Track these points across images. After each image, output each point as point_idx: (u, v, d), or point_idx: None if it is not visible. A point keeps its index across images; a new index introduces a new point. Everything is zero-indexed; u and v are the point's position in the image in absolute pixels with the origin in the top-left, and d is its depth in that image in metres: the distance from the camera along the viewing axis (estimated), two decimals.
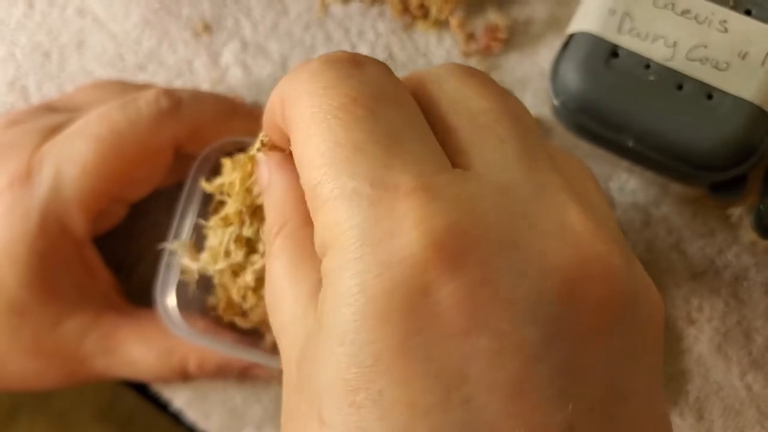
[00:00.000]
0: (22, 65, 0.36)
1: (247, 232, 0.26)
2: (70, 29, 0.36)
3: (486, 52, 0.35)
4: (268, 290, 0.21)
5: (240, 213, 0.26)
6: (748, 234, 0.32)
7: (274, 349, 0.30)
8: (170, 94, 0.29)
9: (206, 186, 0.27)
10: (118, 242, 0.33)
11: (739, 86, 0.28)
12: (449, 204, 0.17)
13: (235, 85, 0.35)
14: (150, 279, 0.30)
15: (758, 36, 0.28)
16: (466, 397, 0.16)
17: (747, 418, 0.32)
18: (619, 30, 0.29)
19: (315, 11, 0.36)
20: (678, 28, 0.29)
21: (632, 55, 0.29)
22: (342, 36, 0.35)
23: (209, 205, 0.27)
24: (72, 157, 0.28)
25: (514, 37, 0.35)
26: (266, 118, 0.23)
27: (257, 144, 0.24)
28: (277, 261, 0.21)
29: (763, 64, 0.28)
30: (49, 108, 0.32)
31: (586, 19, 0.30)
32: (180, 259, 0.28)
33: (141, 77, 0.35)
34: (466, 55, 0.35)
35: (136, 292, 0.32)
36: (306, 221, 0.21)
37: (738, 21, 0.29)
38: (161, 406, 0.33)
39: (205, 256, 0.27)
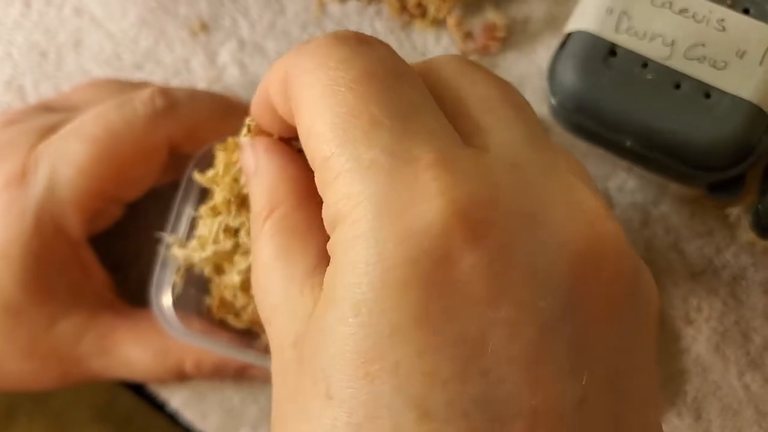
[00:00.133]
0: (19, 64, 0.36)
1: (234, 222, 0.26)
2: (67, 28, 0.36)
3: (484, 52, 0.35)
4: (257, 274, 0.21)
5: (228, 202, 0.26)
6: (747, 234, 0.32)
7: (269, 350, 0.30)
8: (166, 93, 0.29)
9: (198, 177, 0.26)
10: (114, 242, 0.33)
11: (738, 85, 0.28)
12: (470, 176, 0.17)
13: (232, 85, 0.35)
14: (146, 279, 0.29)
15: (756, 35, 0.28)
16: (485, 368, 0.16)
17: (745, 418, 0.32)
18: (617, 29, 0.29)
19: (312, 10, 0.36)
20: (676, 27, 0.29)
21: (630, 53, 0.29)
22: None
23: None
24: (67, 157, 0.28)
25: (512, 36, 0.35)
26: (258, 100, 0.23)
27: (243, 130, 0.24)
28: (269, 243, 0.21)
29: (761, 63, 0.28)
30: (45, 107, 0.32)
31: (584, 18, 0.30)
32: (173, 254, 0.28)
33: (138, 76, 0.35)
34: (464, 54, 0.35)
35: (132, 293, 0.32)
36: (299, 204, 0.21)
37: (736, 20, 0.29)
38: (158, 407, 0.33)
39: (193, 244, 0.27)
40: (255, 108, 0.23)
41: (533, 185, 0.18)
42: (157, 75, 0.35)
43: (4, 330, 0.29)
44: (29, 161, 0.28)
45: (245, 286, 0.27)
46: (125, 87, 0.32)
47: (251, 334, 0.30)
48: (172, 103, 0.29)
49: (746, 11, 0.29)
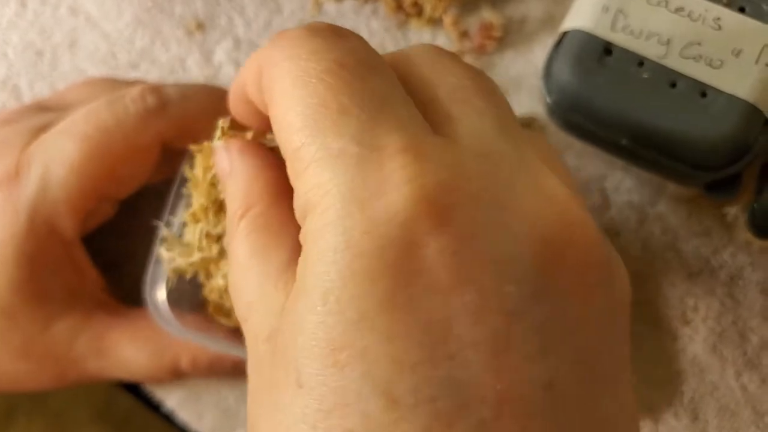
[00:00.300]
0: (14, 64, 0.36)
1: (216, 229, 0.26)
2: (62, 28, 0.36)
3: (480, 51, 0.35)
4: (233, 272, 0.21)
5: (205, 209, 0.26)
6: (744, 233, 0.32)
7: None
8: (156, 90, 0.29)
9: (187, 172, 0.27)
10: (108, 241, 0.32)
11: (733, 84, 0.28)
12: (437, 164, 0.18)
13: (228, 83, 0.35)
14: (140, 278, 0.29)
15: (752, 33, 0.28)
16: (451, 353, 0.16)
17: (742, 419, 0.32)
18: (613, 27, 0.29)
19: (308, 9, 0.35)
20: (672, 26, 0.29)
21: (626, 52, 0.29)
22: None
23: None
24: (59, 157, 0.28)
25: (508, 36, 0.35)
26: (234, 93, 0.23)
27: (218, 132, 0.24)
28: (244, 242, 0.21)
29: (756, 61, 0.28)
30: (40, 107, 0.31)
31: (580, 17, 0.29)
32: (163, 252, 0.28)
33: (134, 76, 0.35)
34: (460, 53, 0.35)
35: (126, 292, 0.32)
36: (273, 202, 0.22)
37: (732, 18, 0.28)
38: (154, 407, 0.33)
39: (181, 250, 0.27)
40: (232, 101, 0.23)
41: (500, 173, 0.18)
42: (152, 74, 0.35)
43: None
44: (22, 161, 0.28)
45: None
46: (120, 85, 0.32)
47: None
48: (163, 99, 0.29)
49: (742, 10, 0.29)
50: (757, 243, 0.32)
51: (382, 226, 0.17)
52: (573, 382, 0.17)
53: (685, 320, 0.32)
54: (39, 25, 0.36)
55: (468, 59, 0.35)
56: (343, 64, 0.19)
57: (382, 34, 0.35)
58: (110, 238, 0.33)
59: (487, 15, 0.35)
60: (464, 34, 0.35)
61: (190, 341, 0.29)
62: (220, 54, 0.35)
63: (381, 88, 0.19)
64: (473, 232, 0.17)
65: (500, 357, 0.17)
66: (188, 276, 0.27)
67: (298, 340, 0.17)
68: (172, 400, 0.33)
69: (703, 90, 0.28)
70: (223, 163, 0.23)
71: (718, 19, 0.28)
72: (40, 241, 0.28)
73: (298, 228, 0.19)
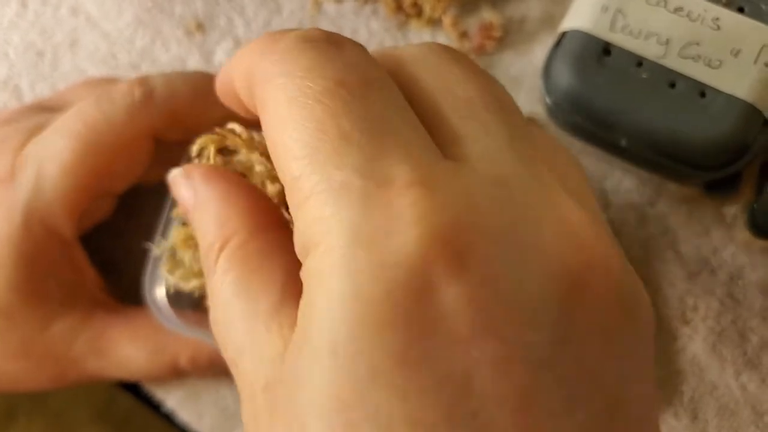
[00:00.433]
0: (15, 64, 0.36)
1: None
2: (63, 28, 0.36)
3: (480, 51, 0.35)
4: (216, 312, 0.19)
5: (193, 242, 0.25)
6: (743, 233, 0.32)
7: None
8: (143, 82, 0.28)
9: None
10: (106, 241, 0.33)
11: (732, 84, 0.28)
12: (449, 199, 0.16)
13: None
14: (139, 277, 0.29)
15: (751, 33, 0.28)
16: (473, 411, 0.15)
17: (742, 418, 0.32)
18: (612, 27, 0.29)
19: (308, 10, 0.36)
20: (671, 26, 0.29)
21: (625, 52, 0.29)
22: None
23: None
24: (51, 156, 0.28)
25: (508, 36, 0.35)
26: (221, 85, 0.21)
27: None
28: (225, 279, 0.19)
29: (755, 61, 0.28)
30: (40, 107, 0.32)
31: (579, 17, 0.30)
32: (162, 260, 0.28)
33: (134, 76, 0.35)
34: None
35: (125, 291, 0.32)
36: (253, 233, 0.20)
37: (731, 18, 0.28)
38: (154, 407, 0.33)
39: (179, 272, 0.27)
40: (219, 91, 0.22)
41: (518, 205, 0.17)
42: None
43: None
44: (18, 161, 0.28)
45: None
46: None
47: None
48: (150, 91, 0.28)
49: (741, 10, 0.29)
50: (757, 243, 0.32)
51: (392, 270, 0.15)
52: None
53: (684, 320, 0.32)
54: (40, 25, 0.36)
55: None
56: (341, 83, 0.17)
57: (381, 35, 0.35)
58: (108, 237, 0.33)
59: (487, 15, 0.35)
60: (464, 35, 0.35)
61: (191, 338, 0.29)
62: (220, 54, 0.35)
63: (384, 108, 0.17)
64: (492, 275, 0.16)
65: (526, 414, 0.15)
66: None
67: (304, 395, 0.16)
68: (171, 399, 0.33)
69: (702, 90, 0.28)
70: (184, 194, 0.21)
71: (717, 19, 0.29)
72: (37, 241, 0.28)
73: (285, 259, 0.18)
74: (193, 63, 0.35)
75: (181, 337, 0.30)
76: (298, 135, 0.17)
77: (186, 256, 0.26)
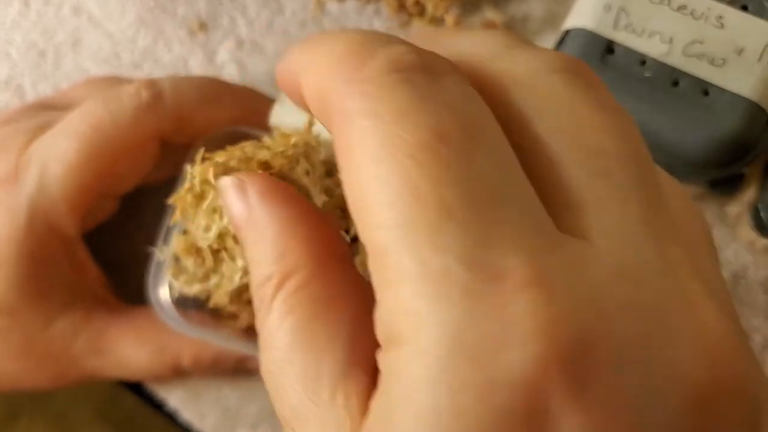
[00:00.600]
0: (18, 64, 0.36)
1: (214, 267, 0.26)
2: (65, 28, 0.36)
3: None
4: (269, 361, 0.17)
5: (198, 251, 0.25)
6: (747, 232, 0.32)
7: None
8: (151, 85, 0.28)
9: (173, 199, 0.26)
10: (110, 241, 0.33)
11: (736, 82, 0.28)
12: (573, 305, 0.13)
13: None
14: (143, 278, 0.29)
15: (754, 32, 0.28)
16: None
17: None
18: (615, 26, 0.29)
19: (310, 9, 0.36)
20: (674, 24, 0.29)
21: (628, 51, 0.29)
22: None
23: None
24: (56, 155, 0.28)
25: None
26: (283, 79, 0.17)
27: (195, 168, 0.20)
28: (283, 325, 0.16)
29: (759, 59, 0.28)
30: (42, 106, 0.32)
31: (582, 15, 0.29)
32: (166, 262, 0.28)
33: (137, 75, 0.35)
34: None
35: (128, 292, 0.32)
36: (317, 271, 0.17)
37: (734, 16, 0.28)
38: (157, 407, 0.33)
39: (183, 278, 0.27)
40: (280, 81, 0.18)
41: (650, 307, 0.14)
42: (155, 74, 0.35)
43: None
44: (22, 160, 0.28)
45: (235, 300, 0.27)
46: (123, 84, 0.32)
47: (250, 328, 0.29)
48: (158, 94, 0.28)
49: (744, 8, 0.29)
50: (760, 242, 0.32)
51: (502, 391, 0.13)
52: None
53: None
54: (42, 25, 0.36)
55: None
56: (442, 136, 0.14)
57: None
58: (111, 237, 0.33)
59: (489, 14, 0.35)
60: None
61: (193, 337, 0.29)
62: (223, 54, 0.35)
63: (492, 171, 0.14)
64: (617, 402, 0.13)
65: None
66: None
67: None
68: (173, 399, 0.33)
69: (705, 88, 0.28)
70: (236, 209, 0.18)
71: (721, 17, 0.28)
72: (40, 240, 0.28)
73: (350, 307, 0.16)
74: (196, 63, 0.35)
75: (183, 337, 0.30)
76: (387, 198, 0.14)
77: (189, 262, 0.26)
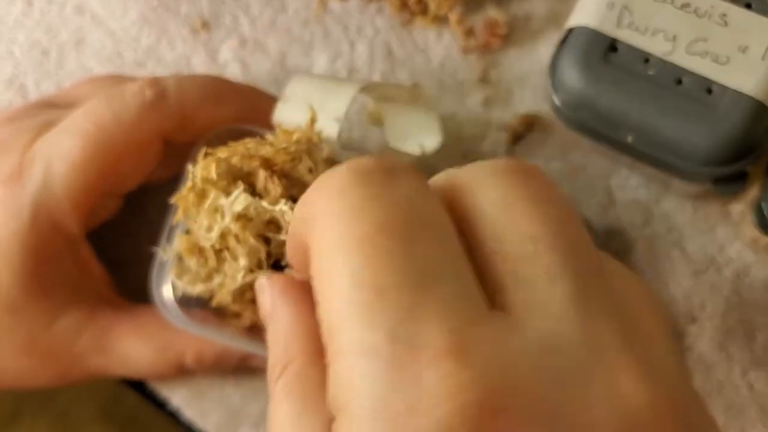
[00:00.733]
0: (21, 63, 0.36)
1: (217, 266, 0.26)
2: (68, 27, 0.36)
3: (485, 49, 0.35)
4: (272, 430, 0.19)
5: (200, 251, 0.26)
6: (750, 230, 0.32)
7: None
8: (155, 83, 0.28)
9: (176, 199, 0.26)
10: (114, 239, 0.33)
11: (740, 80, 0.28)
12: (485, 372, 0.15)
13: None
14: (147, 276, 0.29)
15: (758, 29, 0.28)
16: None
17: (749, 417, 0.32)
18: (618, 24, 0.29)
19: (313, 8, 0.36)
20: (677, 22, 0.29)
21: (631, 49, 0.29)
22: (340, 33, 0.35)
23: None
24: (60, 154, 0.28)
25: (513, 33, 0.35)
26: (290, 241, 0.20)
27: (197, 167, 0.23)
28: (281, 406, 0.19)
29: (763, 58, 0.28)
30: (46, 104, 0.32)
31: (585, 13, 0.29)
32: (169, 262, 0.28)
33: (140, 74, 0.35)
34: (465, 51, 0.35)
35: (132, 290, 0.32)
36: (312, 359, 0.19)
37: (738, 14, 0.28)
38: (159, 406, 0.33)
39: (186, 278, 0.27)
40: (288, 248, 0.21)
41: (566, 375, 0.15)
42: (158, 73, 0.35)
43: (2, 327, 0.29)
44: (26, 158, 0.28)
45: (238, 299, 0.27)
46: (125, 82, 0.32)
47: (255, 325, 0.29)
48: (162, 93, 0.28)
49: (748, 6, 0.29)
50: (764, 240, 0.32)
51: None
52: None
53: (691, 318, 0.32)
54: (45, 23, 0.36)
55: (473, 57, 0.35)
56: (384, 228, 0.16)
57: (387, 33, 0.35)
58: (116, 235, 0.33)
59: (492, 13, 0.35)
60: (469, 32, 0.35)
61: (197, 336, 0.29)
62: (226, 52, 0.35)
63: (429, 257, 0.16)
64: None
65: None
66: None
67: None
68: (176, 398, 0.33)
69: (709, 86, 0.28)
70: (265, 303, 0.21)
71: (725, 15, 0.28)
72: (44, 237, 0.28)
73: None
74: (199, 61, 0.35)
75: (186, 336, 0.30)
76: (336, 282, 0.16)
77: (192, 262, 0.26)
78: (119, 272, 0.32)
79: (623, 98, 0.29)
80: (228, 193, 0.25)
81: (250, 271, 0.26)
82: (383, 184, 0.17)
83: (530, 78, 0.34)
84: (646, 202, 0.33)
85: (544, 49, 0.34)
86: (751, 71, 0.28)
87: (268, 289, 0.21)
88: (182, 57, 0.36)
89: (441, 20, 0.35)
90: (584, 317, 0.16)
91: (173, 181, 0.29)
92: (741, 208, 0.32)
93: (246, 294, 0.27)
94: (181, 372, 0.31)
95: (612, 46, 0.29)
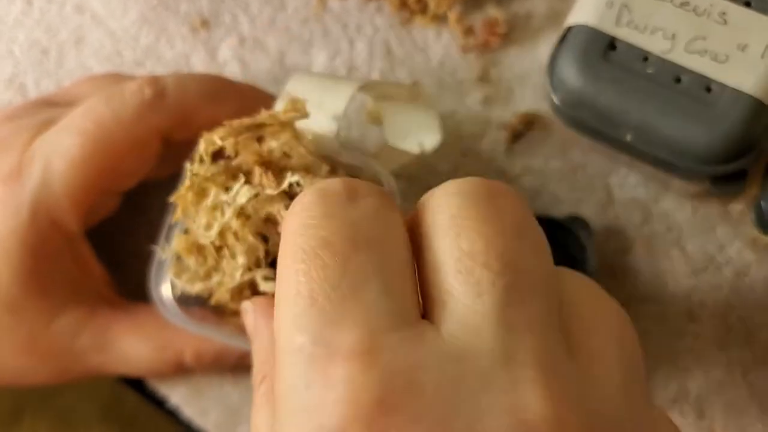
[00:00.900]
0: (21, 62, 0.36)
1: (208, 263, 0.26)
2: (68, 26, 0.36)
3: (485, 47, 0.35)
4: None
5: (199, 249, 0.26)
6: (750, 229, 0.32)
7: None
8: (154, 82, 0.28)
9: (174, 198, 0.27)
10: (112, 238, 0.33)
11: (739, 79, 0.28)
12: (387, 375, 0.16)
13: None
14: (146, 275, 0.29)
15: (758, 28, 0.28)
16: None
17: (749, 416, 0.32)
18: (617, 22, 0.29)
19: (313, 6, 0.36)
20: (677, 20, 0.29)
21: (630, 47, 0.29)
22: (340, 31, 0.35)
23: None
24: (60, 152, 0.28)
25: (513, 32, 0.35)
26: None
27: (196, 166, 0.24)
28: (260, 412, 0.21)
29: (762, 56, 0.28)
30: (45, 103, 0.32)
31: (584, 12, 0.29)
32: (168, 260, 0.28)
33: (139, 73, 0.35)
34: (465, 50, 0.35)
35: (132, 288, 0.32)
36: None
37: (737, 12, 0.28)
38: (158, 404, 0.33)
39: (185, 276, 0.27)
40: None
41: (469, 385, 0.16)
42: (158, 71, 0.35)
43: (1, 326, 0.29)
44: (25, 157, 0.28)
45: (236, 297, 0.27)
46: (125, 81, 0.32)
47: None
48: (161, 91, 0.28)
49: (747, 4, 0.28)
50: (763, 239, 0.32)
51: None
52: None
53: (691, 317, 0.32)
54: (45, 23, 0.36)
55: (472, 56, 0.35)
56: (326, 245, 0.18)
57: (386, 31, 0.35)
58: (114, 233, 0.33)
59: (492, 11, 0.35)
60: (469, 31, 0.35)
61: (195, 334, 0.29)
62: (225, 51, 0.35)
63: (364, 271, 0.17)
64: None
65: None
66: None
67: None
68: (175, 396, 0.33)
69: (708, 85, 0.28)
70: (249, 323, 0.24)
71: (724, 13, 0.28)
72: (43, 235, 0.28)
73: None
74: (198, 60, 0.35)
75: (185, 334, 0.30)
76: (282, 291, 0.18)
77: (190, 261, 0.27)
78: (118, 271, 0.32)
79: (622, 97, 0.29)
80: (227, 189, 0.25)
81: (249, 269, 0.26)
82: (341, 204, 0.19)
83: (530, 76, 0.34)
84: (646, 201, 0.33)
85: (544, 48, 0.34)
86: (751, 69, 0.28)
87: (251, 311, 0.24)
88: (181, 56, 0.36)
89: (440, 19, 0.35)
90: (501, 332, 0.17)
91: (172, 179, 0.29)
92: (741, 207, 0.32)
93: (244, 292, 0.27)
94: (180, 370, 0.31)
95: (611, 44, 0.29)
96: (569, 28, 0.30)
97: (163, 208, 0.28)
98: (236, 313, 0.28)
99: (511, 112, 0.34)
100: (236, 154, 0.26)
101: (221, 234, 0.26)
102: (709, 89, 0.28)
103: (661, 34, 0.29)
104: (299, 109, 0.26)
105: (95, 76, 0.33)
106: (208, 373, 0.32)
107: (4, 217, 0.28)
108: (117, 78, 0.32)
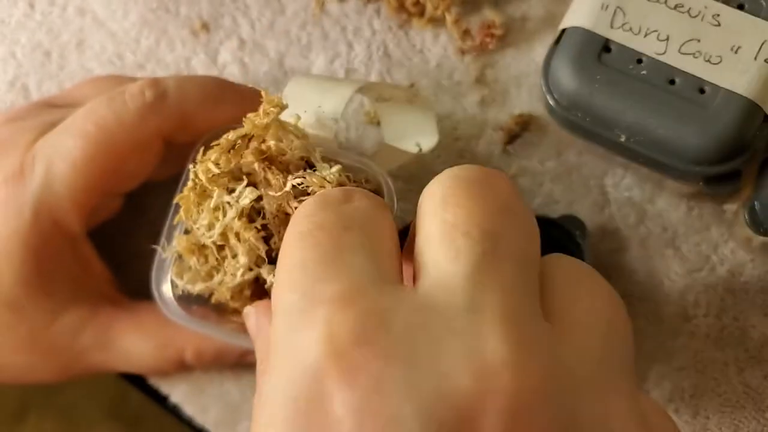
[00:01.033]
0: (23, 64, 0.36)
1: (211, 261, 0.26)
2: (69, 28, 0.37)
3: (481, 49, 0.35)
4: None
5: (201, 249, 0.26)
6: (744, 230, 0.32)
7: None
8: (156, 84, 0.29)
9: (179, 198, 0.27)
10: (115, 238, 0.33)
11: (732, 80, 0.28)
12: (361, 315, 0.18)
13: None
14: (147, 274, 0.30)
15: (751, 30, 0.28)
16: None
17: (743, 415, 0.32)
18: (612, 24, 0.29)
19: (312, 9, 0.36)
20: (671, 22, 0.29)
21: (624, 49, 0.29)
22: (338, 34, 0.36)
23: None
24: (62, 154, 0.28)
25: (509, 34, 0.35)
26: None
27: (198, 167, 0.25)
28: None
29: (755, 58, 0.28)
30: (47, 105, 0.32)
31: (579, 14, 0.30)
32: (170, 261, 0.28)
33: (140, 75, 0.36)
34: (462, 52, 0.35)
35: (133, 287, 0.32)
36: None
37: (731, 15, 0.29)
38: (160, 402, 0.34)
39: (187, 276, 0.27)
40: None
41: (435, 332, 0.18)
42: (158, 74, 0.36)
43: (4, 325, 0.29)
44: (27, 158, 0.28)
45: (237, 296, 0.27)
46: (126, 83, 0.32)
47: None
48: (162, 93, 0.29)
49: (741, 7, 0.29)
50: (757, 239, 0.32)
51: (297, 377, 0.18)
52: None
53: (685, 317, 0.33)
54: (47, 25, 0.37)
55: (469, 58, 0.35)
56: (321, 226, 0.20)
57: (384, 34, 0.35)
58: (116, 234, 0.33)
59: (489, 13, 0.35)
60: (466, 33, 0.35)
61: (197, 332, 0.29)
62: (225, 54, 0.36)
63: (350, 244, 0.20)
64: (377, 389, 0.17)
65: None
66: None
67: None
68: (177, 394, 0.33)
69: (701, 86, 0.28)
70: (251, 325, 0.26)
71: (717, 15, 0.29)
72: (45, 236, 0.28)
73: None
74: (198, 63, 0.36)
75: (186, 332, 0.30)
76: (283, 266, 0.21)
77: (192, 261, 0.27)
78: (120, 270, 0.33)
79: (616, 98, 0.29)
80: (231, 190, 0.26)
81: (249, 268, 0.26)
82: (336, 202, 0.21)
83: (526, 78, 0.35)
84: (640, 202, 0.33)
85: (540, 50, 0.35)
86: (744, 71, 0.28)
87: (253, 314, 0.25)
88: (182, 58, 0.36)
89: (438, 21, 0.35)
90: (471, 288, 0.18)
91: (174, 180, 0.29)
92: (735, 207, 0.32)
93: (245, 291, 0.27)
94: (182, 368, 0.31)
95: (606, 46, 0.29)
96: (564, 31, 0.30)
97: (164, 209, 0.29)
98: (237, 312, 0.29)
99: (507, 113, 0.34)
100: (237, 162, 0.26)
101: (223, 234, 0.26)
102: (702, 91, 0.28)
103: (656, 36, 0.29)
104: (277, 104, 0.26)
105: (97, 79, 0.33)
106: (208, 370, 0.33)
107: (7, 218, 0.28)
108: (118, 80, 0.33)
